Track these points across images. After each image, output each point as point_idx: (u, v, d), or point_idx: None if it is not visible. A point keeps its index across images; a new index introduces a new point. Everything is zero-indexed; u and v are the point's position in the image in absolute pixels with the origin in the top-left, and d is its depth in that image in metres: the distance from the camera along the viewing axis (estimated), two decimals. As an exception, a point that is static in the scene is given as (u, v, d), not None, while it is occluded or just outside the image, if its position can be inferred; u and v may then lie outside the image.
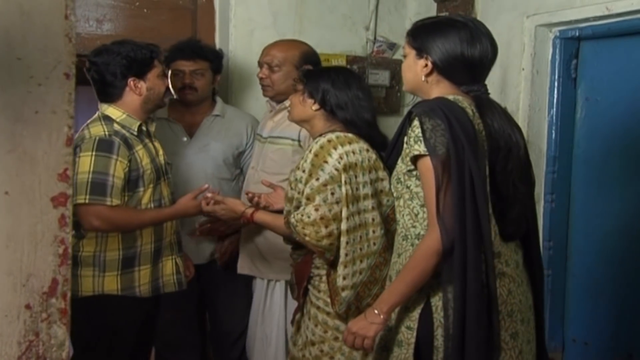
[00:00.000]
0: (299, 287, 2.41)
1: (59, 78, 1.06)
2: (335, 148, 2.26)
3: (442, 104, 1.90)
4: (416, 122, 1.88)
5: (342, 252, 2.23)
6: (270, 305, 2.96)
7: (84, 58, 3.24)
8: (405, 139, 1.94)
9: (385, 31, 3.84)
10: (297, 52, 2.97)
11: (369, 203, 2.28)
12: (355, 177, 2.26)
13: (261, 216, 2.53)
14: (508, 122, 2.02)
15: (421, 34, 2.02)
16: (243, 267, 3.05)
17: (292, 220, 2.25)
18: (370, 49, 3.80)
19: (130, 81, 2.51)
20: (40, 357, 1.08)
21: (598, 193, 3.11)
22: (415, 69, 2.02)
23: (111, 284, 2.47)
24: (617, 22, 2.85)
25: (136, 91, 2.52)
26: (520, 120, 3.17)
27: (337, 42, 3.71)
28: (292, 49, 3.00)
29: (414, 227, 1.97)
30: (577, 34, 3.06)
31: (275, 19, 3.59)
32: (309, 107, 2.40)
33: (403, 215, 2.00)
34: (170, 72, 3.09)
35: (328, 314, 2.32)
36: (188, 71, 3.07)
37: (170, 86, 3.10)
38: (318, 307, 2.34)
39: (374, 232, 2.29)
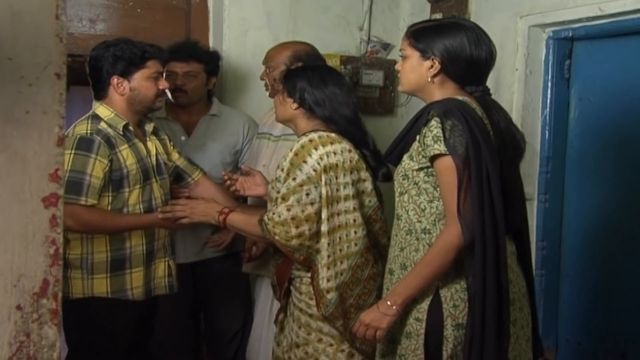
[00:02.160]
0: (280, 288, 2.41)
1: (50, 78, 1.05)
2: (316, 148, 2.26)
3: (457, 105, 1.95)
4: (434, 122, 1.92)
5: (324, 253, 2.24)
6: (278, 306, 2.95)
7: (78, 58, 3.25)
8: (419, 137, 1.98)
9: (379, 31, 3.84)
10: (289, 52, 2.97)
11: (350, 204, 2.28)
12: (336, 178, 2.26)
13: (233, 218, 2.42)
14: (511, 122, 2.11)
15: (425, 36, 2.05)
16: (247, 265, 3.04)
17: (265, 218, 2.25)
18: (364, 49, 3.81)
19: (114, 79, 2.48)
20: (31, 358, 1.08)
21: (591, 193, 3.11)
22: (420, 71, 2.05)
23: (100, 286, 2.45)
24: (610, 23, 2.85)
25: (118, 90, 2.49)
26: (514, 120, 3.16)
27: (330, 42, 3.71)
28: (286, 49, 3.01)
29: (420, 221, 2.01)
30: (570, 34, 3.06)
31: (269, 19, 3.59)
32: (289, 106, 2.41)
33: (407, 211, 2.04)
34: (165, 73, 3.10)
35: (310, 315, 2.31)
36: (180, 73, 3.08)
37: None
38: (300, 309, 2.34)
39: (355, 232, 2.29)
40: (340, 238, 2.27)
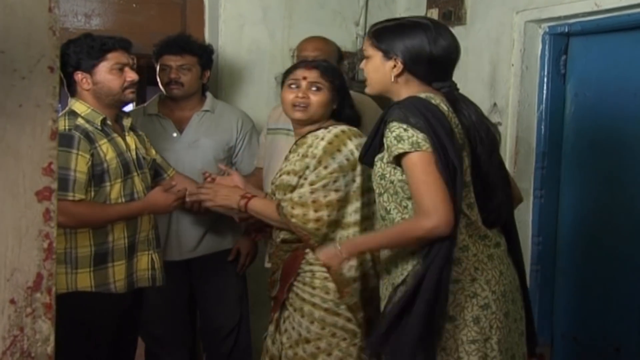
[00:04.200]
0: (285, 283, 2.40)
1: (42, 71, 1.05)
2: (350, 139, 2.32)
3: (417, 103, 1.97)
4: (395, 123, 1.94)
5: None
6: None
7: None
8: (385, 140, 1.99)
9: (375, 27, 3.84)
10: (334, 48, 3.09)
11: (372, 196, 2.31)
12: (365, 169, 2.29)
13: (255, 203, 2.44)
14: (483, 115, 2.11)
15: (387, 36, 2.06)
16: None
17: (283, 203, 2.28)
18: (360, 45, 3.80)
19: (77, 75, 2.51)
20: (24, 352, 1.08)
21: (587, 188, 3.12)
22: (383, 71, 2.07)
23: (84, 280, 2.46)
24: (606, 18, 2.85)
25: (82, 85, 2.51)
26: (510, 116, 3.18)
27: (327, 37, 3.70)
28: (331, 44, 3.10)
29: (403, 218, 2.02)
30: (566, 29, 3.06)
31: (265, 14, 3.58)
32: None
33: (389, 210, 2.05)
34: (158, 67, 3.09)
35: (326, 310, 2.31)
36: (175, 66, 3.06)
37: (158, 81, 3.11)
38: (314, 304, 2.33)
39: (374, 224, 2.33)
40: (366, 228, 2.32)
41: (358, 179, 2.28)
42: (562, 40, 3.15)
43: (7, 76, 1.02)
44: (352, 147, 2.30)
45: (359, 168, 2.28)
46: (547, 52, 3.15)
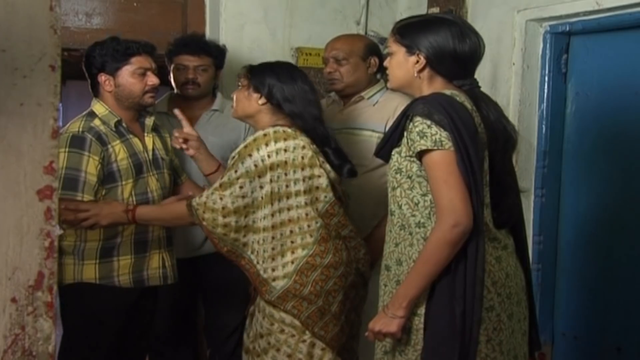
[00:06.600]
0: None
1: (44, 70, 1.05)
2: (267, 144, 2.29)
3: (442, 100, 1.95)
4: (419, 118, 1.93)
5: (268, 246, 2.31)
6: None
7: (74, 52, 3.24)
8: (406, 134, 1.98)
9: (376, 26, 3.84)
10: (361, 44, 2.98)
11: (301, 199, 2.32)
12: (285, 174, 2.30)
13: (142, 211, 2.42)
14: (502, 114, 2.10)
15: (410, 31, 2.06)
16: None
17: (194, 203, 2.30)
18: (361, 44, 3.80)
19: (101, 76, 2.55)
20: (26, 350, 1.08)
21: (588, 187, 3.12)
22: (406, 66, 2.06)
23: (89, 272, 2.51)
24: (607, 17, 2.86)
25: (105, 87, 2.56)
26: (511, 115, 3.17)
27: (327, 36, 3.66)
28: (357, 42, 3.02)
29: (414, 215, 2.01)
30: (568, 28, 3.06)
31: (266, 13, 3.58)
32: (255, 102, 2.43)
33: (400, 206, 2.04)
34: (173, 66, 3.09)
35: (275, 307, 2.34)
36: (192, 66, 3.06)
37: (172, 81, 3.11)
38: (267, 301, 2.37)
39: (308, 226, 2.33)
40: (292, 231, 2.32)
41: (267, 187, 2.28)
42: (563, 39, 3.15)
43: (8, 75, 1.03)
44: (265, 153, 2.28)
45: (269, 175, 2.27)
46: (548, 51, 3.15)
